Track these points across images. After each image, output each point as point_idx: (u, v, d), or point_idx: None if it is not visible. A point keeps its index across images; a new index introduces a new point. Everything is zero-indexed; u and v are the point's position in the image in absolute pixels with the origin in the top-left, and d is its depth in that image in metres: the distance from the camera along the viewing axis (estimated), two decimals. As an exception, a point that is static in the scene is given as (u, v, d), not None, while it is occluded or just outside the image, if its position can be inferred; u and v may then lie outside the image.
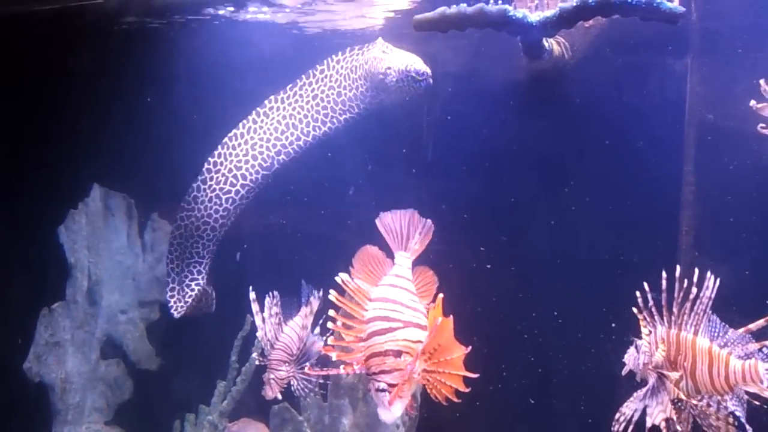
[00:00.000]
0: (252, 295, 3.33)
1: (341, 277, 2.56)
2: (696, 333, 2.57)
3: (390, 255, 2.84)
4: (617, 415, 2.64)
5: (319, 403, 4.12)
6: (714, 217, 3.71)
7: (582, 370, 4.00)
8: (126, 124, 4.60)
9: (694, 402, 2.56)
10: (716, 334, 2.57)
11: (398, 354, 2.43)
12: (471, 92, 4.07)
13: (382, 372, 2.44)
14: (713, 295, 2.55)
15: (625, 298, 2.60)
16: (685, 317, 2.57)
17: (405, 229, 2.86)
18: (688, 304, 2.56)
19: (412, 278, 2.76)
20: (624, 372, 2.70)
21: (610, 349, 3.62)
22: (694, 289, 2.54)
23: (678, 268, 2.56)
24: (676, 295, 2.57)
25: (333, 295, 2.54)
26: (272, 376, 3.32)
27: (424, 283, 2.82)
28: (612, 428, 2.63)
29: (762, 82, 3.23)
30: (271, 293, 3.40)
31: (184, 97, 4.46)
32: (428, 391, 2.54)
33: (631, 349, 2.67)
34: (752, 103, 3.29)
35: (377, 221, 2.88)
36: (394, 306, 2.56)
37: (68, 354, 4.62)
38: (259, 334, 3.37)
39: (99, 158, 4.68)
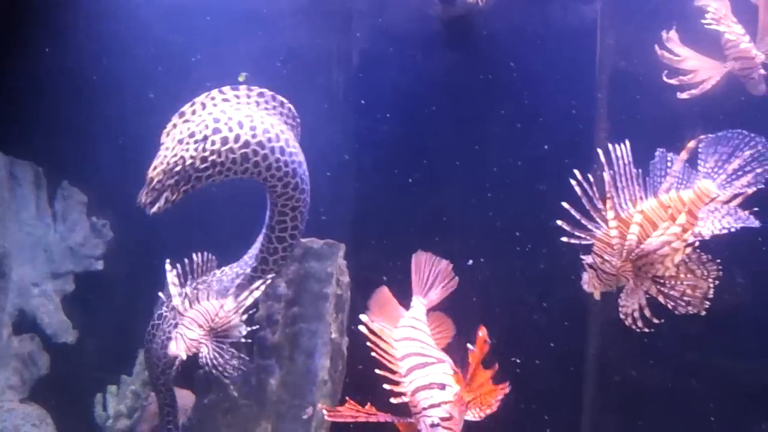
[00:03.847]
0: (168, 267, 3.17)
1: (363, 320, 2.50)
2: (635, 202, 2.57)
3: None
4: (622, 317, 2.63)
5: (246, 365, 4.05)
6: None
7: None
8: (27, 84, 4.36)
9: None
10: (656, 188, 2.58)
11: (443, 387, 2.34)
12: (383, 33, 4.05)
13: (432, 406, 2.31)
14: (631, 159, 2.55)
15: (541, 223, 2.61)
16: (620, 197, 2.54)
17: (433, 277, 2.88)
18: (610, 188, 2.52)
19: (426, 322, 2.75)
20: (597, 295, 2.65)
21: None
22: (607, 173, 2.52)
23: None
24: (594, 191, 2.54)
25: (364, 324, 2.48)
26: (182, 332, 3.13)
27: (440, 329, 2.81)
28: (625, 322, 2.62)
29: (664, 33, 3.33)
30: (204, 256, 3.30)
31: (87, 51, 4.26)
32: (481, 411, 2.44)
33: (585, 274, 2.64)
34: (656, 48, 3.38)
35: (413, 257, 2.90)
36: (421, 345, 2.52)
37: (-23, 331, 4.41)
38: (175, 300, 3.17)
39: (1, 124, 4.44)
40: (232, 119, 3.12)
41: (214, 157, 3.06)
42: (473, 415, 2.38)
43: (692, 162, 2.64)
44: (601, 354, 4.03)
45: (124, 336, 4.48)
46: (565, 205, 2.53)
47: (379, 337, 2.46)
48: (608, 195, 2.49)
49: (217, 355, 3.21)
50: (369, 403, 2.41)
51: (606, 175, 2.52)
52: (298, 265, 4.14)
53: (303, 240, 4.14)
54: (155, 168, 3.02)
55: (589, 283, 2.63)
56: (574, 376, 4.00)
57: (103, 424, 4.42)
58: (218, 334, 3.24)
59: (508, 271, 4.07)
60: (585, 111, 3.83)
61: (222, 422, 4.17)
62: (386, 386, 2.30)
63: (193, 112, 3.13)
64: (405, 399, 2.33)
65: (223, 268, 3.60)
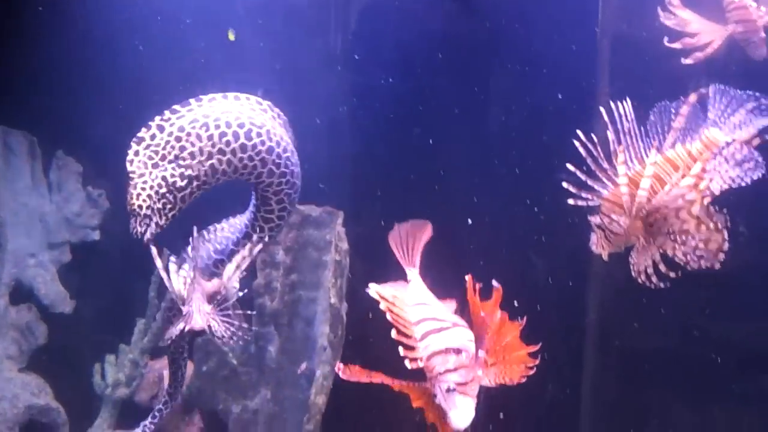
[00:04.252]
0: (154, 251, 3.11)
1: (374, 287, 2.45)
2: (641, 159, 2.55)
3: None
4: (634, 275, 2.61)
5: (249, 334, 4.05)
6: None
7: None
8: (20, 52, 4.30)
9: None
10: (660, 143, 2.55)
11: (458, 351, 2.29)
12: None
13: (447, 371, 2.26)
14: (632, 116, 2.53)
15: (545, 183, 2.59)
16: (625, 157, 2.48)
17: (411, 243, 2.83)
18: (615, 145, 2.49)
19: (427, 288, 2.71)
20: (605, 257, 2.63)
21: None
22: (611, 131, 2.49)
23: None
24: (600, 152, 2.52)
25: (374, 290, 2.42)
26: (197, 306, 3.09)
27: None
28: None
29: None
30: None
31: (80, 15, 4.18)
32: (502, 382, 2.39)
33: (592, 235, 2.62)
34: (659, 11, 3.36)
35: (390, 239, 2.85)
36: (435, 309, 2.47)
37: (-27, 301, 4.39)
38: (176, 285, 3.15)
39: (-6, 93, 4.40)
40: (199, 128, 3.11)
41: (190, 172, 3.07)
42: (490, 381, 2.34)
43: (695, 117, 2.61)
44: (602, 319, 4.05)
45: (121, 306, 4.47)
46: (570, 166, 2.51)
47: (392, 303, 2.40)
48: (620, 148, 2.43)
49: (226, 326, 3.20)
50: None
51: (610, 133, 2.49)
52: (296, 232, 4.14)
53: (301, 207, 4.13)
54: (139, 196, 3.01)
55: (597, 244, 2.61)
56: (574, 341, 4.02)
57: (101, 393, 4.41)
58: (220, 303, 3.23)
59: (511, 232, 4.05)
60: (586, 69, 3.80)
61: (221, 390, 4.19)
62: (401, 351, 2.23)
63: (152, 137, 3.10)
64: (420, 364, 2.29)
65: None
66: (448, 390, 2.23)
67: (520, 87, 3.98)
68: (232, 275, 3.22)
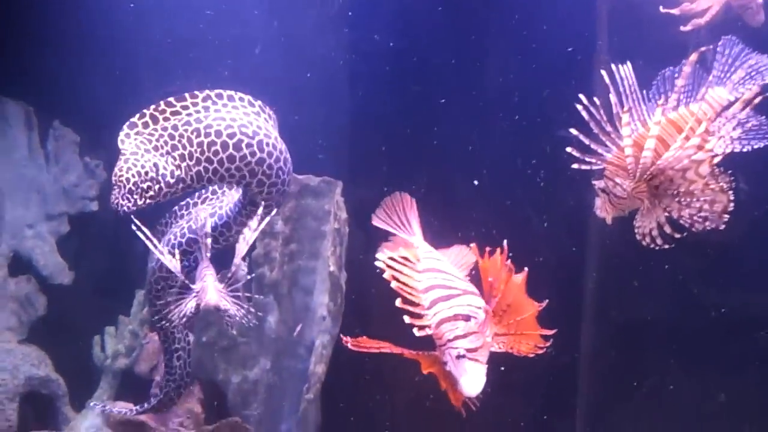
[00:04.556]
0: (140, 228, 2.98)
1: (384, 248, 2.41)
2: (644, 122, 2.53)
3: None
4: (639, 237, 2.59)
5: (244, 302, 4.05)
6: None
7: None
8: (16, 22, 4.26)
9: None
10: (664, 102, 2.50)
11: (467, 318, 2.24)
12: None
13: (457, 338, 2.22)
14: (634, 79, 2.49)
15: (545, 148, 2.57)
16: (629, 119, 2.45)
17: (402, 215, 2.74)
18: (620, 109, 2.44)
19: (438, 253, 2.63)
20: (609, 220, 2.60)
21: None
22: (613, 94, 2.45)
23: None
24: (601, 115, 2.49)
25: (382, 259, 2.33)
26: (211, 282, 3.00)
27: (463, 260, 2.68)
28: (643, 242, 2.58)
29: None
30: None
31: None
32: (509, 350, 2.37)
33: (597, 200, 2.59)
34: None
35: (375, 222, 2.77)
36: (445, 275, 2.40)
37: (-28, 272, 4.38)
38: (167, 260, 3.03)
39: (-10, 63, 4.36)
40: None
41: (179, 173, 3.04)
42: (497, 347, 2.32)
43: (697, 78, 2.58)
44: (599, 289, 4.04)
45: (120, 277, 4.46)
46: (573, 131, 2.48)
47: (399, 271, 2.34)
48: (624, 110, 2.39)
49: (238, 306, 3.16)
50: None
51: (612, 96, 2.46)
52: (295, 202, 4.11)
53: (300, 177, 4.11)
54: (129, 170, 2.95)
55: (601, 208, 2.58)
56: (572, 312, 4.01)
57: (101, 364, 4.43)
58: (230, 282, 3.19)
59: (512, 196, 4.03)
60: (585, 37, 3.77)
61: (221, 360, 4.19)
62: (407, 319, 2.19)
63: (145, 125, 3.05)
64: (429, 332, 2.24)
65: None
66: (459, 357, 2.20)
67: (520, 46, 3.93)
68: (240, 256, 3.17)
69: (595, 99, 2.48)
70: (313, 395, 4.02)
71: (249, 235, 3.05)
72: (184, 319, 3.21)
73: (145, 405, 3.79)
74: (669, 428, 4.04)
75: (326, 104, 4.19)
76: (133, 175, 2.95)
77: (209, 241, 3.08)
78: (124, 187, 2.94)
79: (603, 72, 2.49)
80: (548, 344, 2.33)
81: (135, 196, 2.97)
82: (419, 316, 2.25)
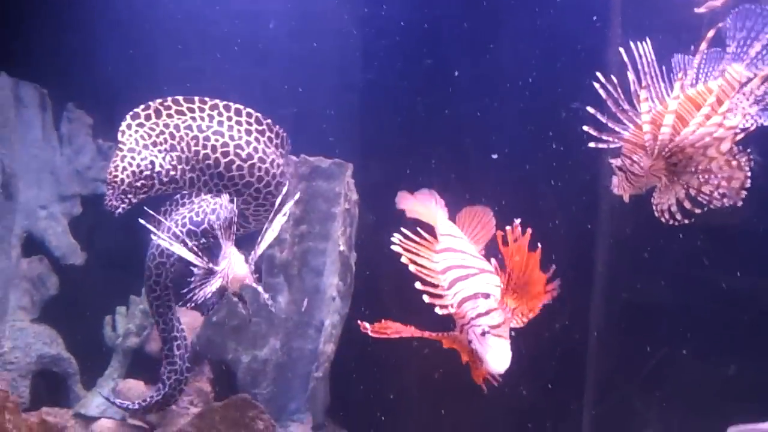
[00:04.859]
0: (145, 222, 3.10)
1: (402, 234, 2.40)
2: (662, 100, 2.53)
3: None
4: (657, 214, 2.61)
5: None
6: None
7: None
8: (31, 4, 4.30)
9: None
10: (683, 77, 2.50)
11: (487, 296, 2.28)
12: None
13: (479, 315, 2.25)
14: (653, 56, 2.49)
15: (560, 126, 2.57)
16: (648, 96, 2.46)
17: (426, 201, 2.80)
18: (638, 87, 2.45)
19: (459, 230, 2.67)
20: (626, 198, 2.61)
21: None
22: (631, 72, 2.46)
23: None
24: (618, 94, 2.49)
25: (398, 240, 2.36)
26: (237, 260, 3.03)
27: (482, 225, 2.72)
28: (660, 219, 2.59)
29: None
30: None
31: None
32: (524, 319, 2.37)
33: (614, 178, 2.59)
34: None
35: (402, 203, 2.81)
36: (462, 256, 2.44)
37: (-14, 251, 4.43)
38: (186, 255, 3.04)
39: (5, 45, 4.39)
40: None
41: (174, 173, 3.08)
42: (516, 322, 2.34)
43: (714, 55, 2.58)
44: (609, 271, 4.05)
45: (131, 257, 4.49)
46: (590, 109, 2.50)
47: (416, 253, 2.37)
48: (643, 87, 2.40)
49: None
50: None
51: (630, 74, 2.47)
52: (305, 183, 4.15)
53: (311, 159, 4.14)
54: (124, 170, 3.00)
55: (618, 186, 2.59)
56: (581, 294, 4.03)
57: (112, 343, 4.47)
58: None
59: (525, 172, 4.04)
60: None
61: (231, 340, 4.23)
62: (426, 298, 2.22)
63: (148, 117, 3.09)
64: (451, 310, 2.28)
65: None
66: (483, 334, 2.23)
67: (533, 25, 3.94)
68: (268, 242, 3.17)
69: (612, 77, 2.50)
70: (323, 374, 4.05)
71: (276, 222, 3.04)
72: (211, 300, 3.25)
73: (147, 400, 3.81)
74: (677, 404, 4.05)
75: (337, 87, 4.22)
76: (128, 176, 3.00)
77: (233, 226, 3.11)
78: (118, 188, 3.00)
79: (621, 49, 2.50)
80: (555, 285, 2.33)
81: (129, 196, 3.03)
82: (439, 296, 2.28)
